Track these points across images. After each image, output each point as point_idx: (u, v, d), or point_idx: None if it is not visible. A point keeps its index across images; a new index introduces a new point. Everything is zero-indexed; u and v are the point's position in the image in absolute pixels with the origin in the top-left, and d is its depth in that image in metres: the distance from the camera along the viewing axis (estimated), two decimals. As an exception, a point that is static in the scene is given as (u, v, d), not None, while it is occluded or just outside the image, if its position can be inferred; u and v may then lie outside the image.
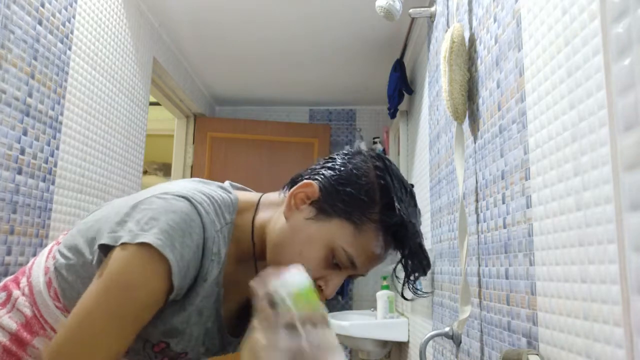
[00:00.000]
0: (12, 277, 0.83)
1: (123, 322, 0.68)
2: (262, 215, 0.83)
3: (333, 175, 0.78)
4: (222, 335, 0.84)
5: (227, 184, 0.88)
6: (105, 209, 0.82)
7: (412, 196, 0.80)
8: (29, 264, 0.83)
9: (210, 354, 0.85)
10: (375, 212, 0.75)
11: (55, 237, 1.41)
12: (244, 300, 0.89)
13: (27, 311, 0.76)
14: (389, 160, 0.82)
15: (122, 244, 0.68)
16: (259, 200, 0.86)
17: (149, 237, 0.67)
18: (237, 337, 0.88)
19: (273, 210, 0.83)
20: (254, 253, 0.82)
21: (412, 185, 0.82)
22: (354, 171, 0.78)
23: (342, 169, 0.79)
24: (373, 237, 0.76)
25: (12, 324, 0.75)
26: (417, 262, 0.77)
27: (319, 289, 0.77)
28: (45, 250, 0.83)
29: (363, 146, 3.06)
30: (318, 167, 0.83)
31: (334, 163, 0.81)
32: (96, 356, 0.66)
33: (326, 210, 0.76)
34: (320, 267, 0.76)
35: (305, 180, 0.79)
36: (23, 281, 0.80)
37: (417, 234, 0.77)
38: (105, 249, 0.71)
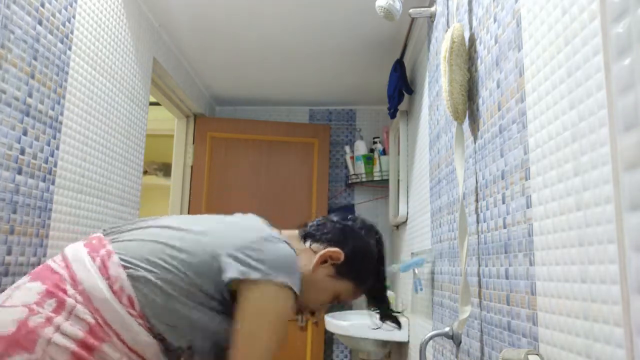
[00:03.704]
0: (49, 284, 0.85)
1: (279, 338, 0.90)
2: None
3: (356, 250, 1.08)
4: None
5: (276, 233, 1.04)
6: (194, 233, 0.94)
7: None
8: (66, 273, 0.87)
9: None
10: (371, 281, 1.13)
11: (56, 237, 1.41)
12: None
13: (89, 318, 0.81)
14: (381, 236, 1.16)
15: (266, 280, 0.88)
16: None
17: (285, 279, 0.90)
18: None
19: (302, 258, 1.04)
20: None
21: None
22: (369, 251, 1.11)
23: (370, 250, 1.11)
24: (361, 293, 1.14)
25: (77, 331, 0.80)
26: (385, 310, 1.19)
27: (312, 313, 1.13)
28: (86, 259, 0.88)
29: (363, 146, 3.07)
30: (340, 226, 1.11)
31: (366, 243, 1.11)
32: None
33: (342, 273, 1.07)
34: (323, 305, 1.11)
35: (337, 249, 1.06)
36: (70, 290, 0.84)
37: (387, 295, 1.20)
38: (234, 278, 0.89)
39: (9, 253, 1.22)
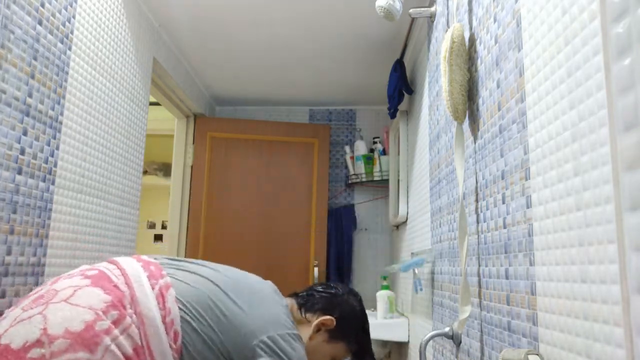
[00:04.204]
0: (113, 297, 0.92)
1: None
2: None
3: (345, 314, 1.24)
4: None
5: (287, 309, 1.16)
6: (241, 307, 1.04)
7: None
8: (128, 292, 0.95)
9: None
10: (360, 337, 1.27)
11: (56, 237, 1.41)
12: None
13: (137, 340, 0.90)
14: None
15: None
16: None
17: None
18: None
19: (301, 329, 1.17)
20: None
21: None
22: (355, 312, 1.27)
23: (355, 311, 1.27)
24: (353, 349, 1.26)
25: (127, 347, 0.88)
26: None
27: None
28: (146, 284, 0.97)
29: (363, 146, 3.07)
30: (327, 295, 1.26)
31: (351, 306, 1.27)
32: None
33: (335, 336, 1.22)
34: None
35: (328, 317, 1.21)
36: (129, 310, 0.92)
37: (371, 348, 1.32)
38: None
39: (9, 253, 1.22)
